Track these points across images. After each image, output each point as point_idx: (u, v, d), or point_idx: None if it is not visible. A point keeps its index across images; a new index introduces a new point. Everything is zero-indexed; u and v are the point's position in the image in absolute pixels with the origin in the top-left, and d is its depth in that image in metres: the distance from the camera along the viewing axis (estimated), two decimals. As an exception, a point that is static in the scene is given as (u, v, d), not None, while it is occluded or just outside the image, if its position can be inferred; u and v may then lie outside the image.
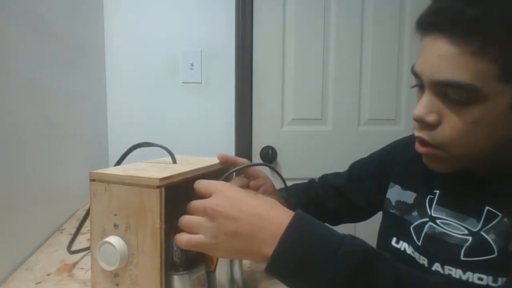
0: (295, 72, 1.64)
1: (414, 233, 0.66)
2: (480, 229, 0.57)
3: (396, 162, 0.77)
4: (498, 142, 0.53)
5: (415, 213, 0.68)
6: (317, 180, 0.93)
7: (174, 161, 0.62)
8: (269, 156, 1.65)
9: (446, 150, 0.54)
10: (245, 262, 0.75)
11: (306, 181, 0.94)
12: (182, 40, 1.59)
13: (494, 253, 0.55)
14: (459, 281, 0.57)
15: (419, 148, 0.58)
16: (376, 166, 0.83)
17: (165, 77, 1.61)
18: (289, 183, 0.86)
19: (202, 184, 0.53)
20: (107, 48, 1.57)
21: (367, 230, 0.97)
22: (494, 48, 0.47)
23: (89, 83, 1.37)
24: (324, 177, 0.93)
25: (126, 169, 0.56)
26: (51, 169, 0.99)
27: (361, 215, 0.89)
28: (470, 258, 0.57)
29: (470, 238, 0.58)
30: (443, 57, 0.50)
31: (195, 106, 1.63)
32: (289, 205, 0.73)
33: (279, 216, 0.48)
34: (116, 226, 0.53)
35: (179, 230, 0.52)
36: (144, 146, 0.65)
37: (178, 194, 0.53)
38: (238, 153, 1.63)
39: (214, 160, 0.65)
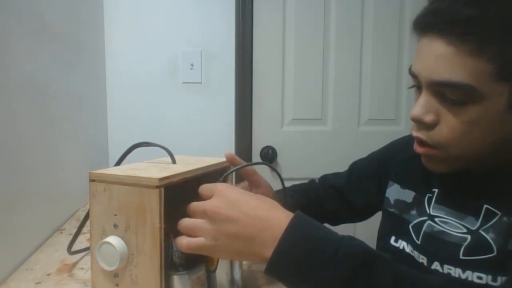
0: (295, 72, 1.64)
1: (413, 232, 0.67)
2: (479, 228, 0.57)
3: (395, 161, 0.77)
4: (496, 142, 0.53)
5: (414, 212, 0.68)
6: (317, 181, 0.94)
7: (174, 161, 0.62)
8: (269, 156, 1.65)
9: (444, 150, 0.54)
10: (245, 262, 0.75)
11: (306, 181, 0.94)
12: (182, 40, 1.59)
13: (493, 252, 0.55)
14: (458, 280, 0.57)
15: (417, 148, 0.58)
16: (376, 166, 0.83)
17: (165, 77, 1.61)
18: (289, 183, 0.87)
19: (203, 187, 0.53)
20: (107, 48, 1.57)
21: (367, 230, 0.97)
22: (490, 48, 0.47)
23: (89, 83, 1.37)
24: (324, 177, 0.93)
25: (126, 169, 0.56)
26: (51, 169, 0.99)
27: (361, 215, 0.89)
28: (470, 257, 0.57)
29: (468, 237, 0.58)
30: (440, 58, 0.50)
31: (195, 106, 1.63)
32: (288, 206, 0.73)
33: (278, 217, 0.48)
34: (115, 226, 0.53)
35: (179, 231, 0.52)
36: (144, 146, 0.65)
37: (178, 194, 0.53)
38: (238, 153, 1.63)
39: (214, 160, 0.66)
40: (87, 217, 0.67)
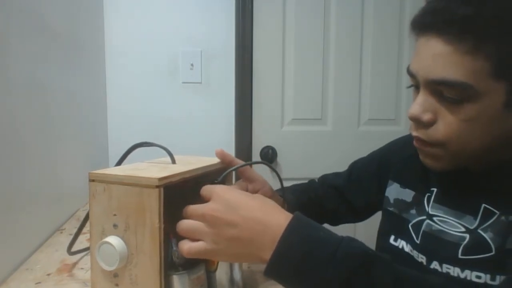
0: (295, 72, 1.65)
1: (413, 231, 0.67)
2: (477, 227, 0.57)
3: (395, 160, 0.77)
4: (494, 140, 0.53)
5: (413, 211, 0.68)
6: (317, 180, 0.93)
7: (173, 161, 0.62)
8: (269, 156, 1.66)
9: (442, 148, 0.55)
10: (245, 263, 0.75)
11: (306, 181, 0.94)
12: (182, 40, 1.59)
13: (491, 251, 0.55)
14: (458, 280, 0.57)
15: (416, 143, 0.58)
16: (376, 165, 0.83)
17: (165, 77, 1.61)
18: (289, 183, 0.87)
19: (203, 189, 0.53)
20: (107, 48, 1.57)
21: (367, 230, 0.97)
22: (487, 46, 0.48)
23: (89, 82, 1.38)
24: (324, 177, 0.93)
25: (125, 169, 0.56)
26: (51, 169, 0.99)
27: (361, 215, 0.89)
28: (468, 256, 0.57)
29: (467, 236, 0.58)
30: (437, 57, 0.51)
31: (195, 106, 1.63)
32: (287, 205, 0.73)
33: (277, 219, 0.48)
34: (115, 226, 0.53)
35: (178, 233, 0.52)
36: (144, 146, 0.66)
37: (177, 194, 0.53)
38: (238, 153, 1.63)
39: (214, 160, 0.66)
40: (87, 217, 0.67)
